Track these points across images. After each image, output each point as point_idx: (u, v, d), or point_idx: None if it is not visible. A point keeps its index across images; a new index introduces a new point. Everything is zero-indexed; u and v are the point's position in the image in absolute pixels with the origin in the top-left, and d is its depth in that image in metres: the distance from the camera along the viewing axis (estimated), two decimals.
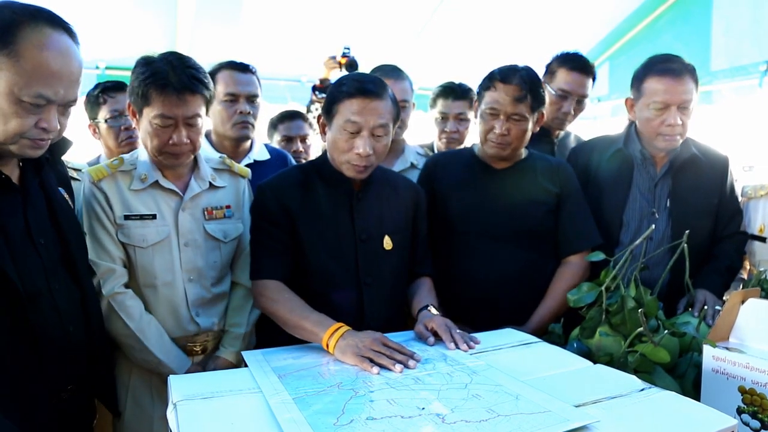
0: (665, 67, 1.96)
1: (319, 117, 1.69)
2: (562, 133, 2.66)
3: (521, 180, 1.95)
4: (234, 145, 2.33)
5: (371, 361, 1.31)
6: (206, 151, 2.30)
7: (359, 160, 1.59)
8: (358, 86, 1.58)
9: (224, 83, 2.27)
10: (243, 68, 2.31)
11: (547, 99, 2.45)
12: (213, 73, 2.29)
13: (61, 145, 1.42)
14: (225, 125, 2.28)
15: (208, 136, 2.40)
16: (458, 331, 1.51)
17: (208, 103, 1.70)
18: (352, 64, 3.14)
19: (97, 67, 3.87)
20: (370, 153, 1.58)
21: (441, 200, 2.01)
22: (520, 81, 1.84)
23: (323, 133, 1.69)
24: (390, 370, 1.29)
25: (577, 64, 2.52)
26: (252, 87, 2.31)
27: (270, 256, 1.65)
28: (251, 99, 2.30)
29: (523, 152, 2.01)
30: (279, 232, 1.65)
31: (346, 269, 1.67)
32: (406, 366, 1.30)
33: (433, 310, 1.64)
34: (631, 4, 4.52)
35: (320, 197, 1.68)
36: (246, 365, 1.37)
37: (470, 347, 1.44)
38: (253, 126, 2.33)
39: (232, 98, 2.26)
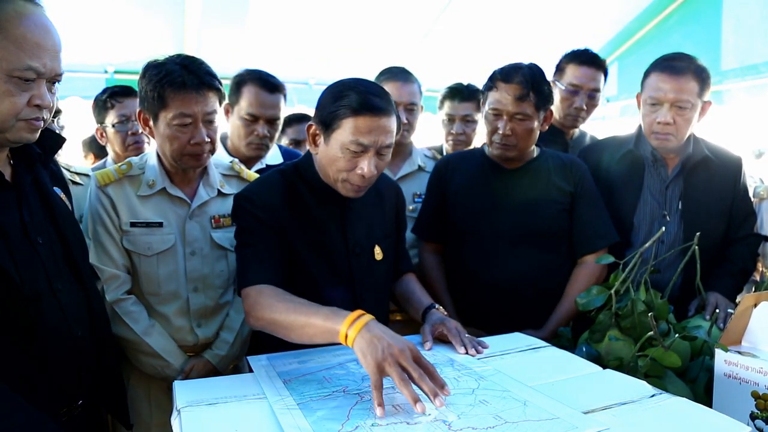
0: (668, 64, 1.94)
1: (309, 126, 1.51)
2: (576, 132, 2.63)
3: (533, 180, 1.93)
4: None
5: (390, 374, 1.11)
6: (218, 153, 2.28)
7: (361, 181, 1.46)
8: (364, 101, 1.39)
9: (248, 101, 2.16)
10: (271, 88, 2.18)
11: (558, 96, 2.44)
12: (239, 83, 2.20)
13: (52, 142, 1.39)
14: (240, 142, 2.22)
15: (224, 140, 2.36)
16: (467, 335, 1.49)
17: (222, 100, 1.69)
18: None
19: (106, 71, 3.88)
20: (374, 173, 1.44)
21: (452, 202, 2.00)
22: (521, 79, 1.81)
23: (314, 144, 1.51)
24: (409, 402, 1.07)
25: (585, 58, 2.49)
26: (275, 110, 2.20)
27: (262, 261, 1.45)
28: (272, 121, 2.22)
29: (535, 150, 1.98)
30: (274, 238, 1.48)
31: (342, 284, 1.55)
32: (432, 401, 1.06)
33: (442, 310, 1.61)
34: (640, 4, 4.48)
35: (310, 207, 1.55)
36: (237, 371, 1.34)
37: (478, 352, 1.43)
38: (268, 147, 2.25)
39: (253, 119, 2.17)
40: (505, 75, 1.85)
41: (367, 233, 1.62)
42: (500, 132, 1.85)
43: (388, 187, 1.74)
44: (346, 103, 1.40)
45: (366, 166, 1.42)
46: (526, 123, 1.84)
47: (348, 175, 1.45)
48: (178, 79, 1.57)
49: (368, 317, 1.21)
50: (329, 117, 1.43)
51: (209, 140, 1.64)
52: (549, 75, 2.00)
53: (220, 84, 1.67)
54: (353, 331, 1.17)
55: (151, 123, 1.66)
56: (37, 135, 1.24)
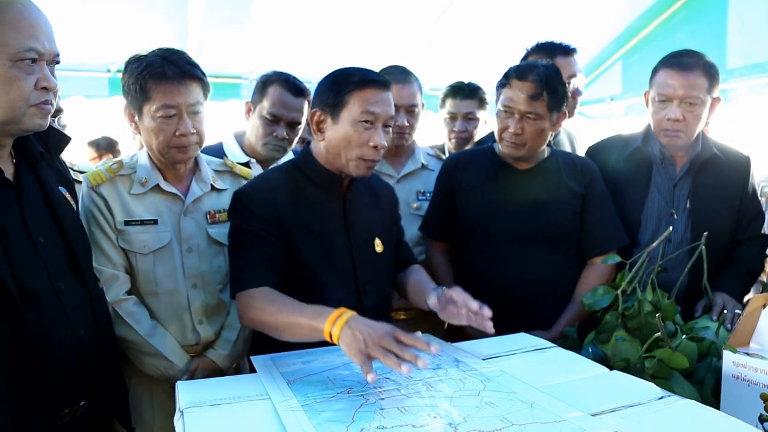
0: (676, 60, 1.92)
1: (313, 114, 1.53)
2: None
3: (544, 180, 1.92)
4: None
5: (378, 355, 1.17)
6: (233, 152, 2.27)
7: (374, 154, 1.50)
8: (366, 75, 1.48)
9: (271, 101, 2.15)
10: (296, 92, 2.17)
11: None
12: (266, 82, 2.19)
13: (58, 141, 1.39)
14: (258, 141, 2.21)
15: (240, 137, 2.34)
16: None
17: (206, 91, 1.67)
18: None
19: (109, 71, 3.88)
20: (385, 144, 1.50)
21: (462, 201, 1.99)
22: (536, 78, 1.78)
23: (320, 131, 1.53)
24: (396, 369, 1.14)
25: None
26: (297, 113, 2.19)
27: (257, 264, 1.46)
28: (293, 125, 2.21)
29: (546, 151, 1.97)
30: (272, 238, 1.48)
31: (345, 278, 1.56)
32: (415, 365, 1.13)
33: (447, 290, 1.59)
34: (644, 2, 4.46)
35: (312, 201, 1.56)
36: (241, 371, 1.33)
37: (487, 314, 1.40)
38: (285, 150, 2.24)
39: (274, 119, 2.17)
40: (520, 72, 1.82)
41: (367, 226, 1.63)
42: (510, 130, 1.83)
43: (382, 187, 1.76)
44: (351, 81, 1.47)
45: (378, 137, 1.48)
46: (538, 123, 1.82)
47: (362, 151, 1.49)
48: (159, 70, 1.56)
49: (350, 314, 1.25)
50: (335, 97, 1.48)
51: (195, 131, 1.62)
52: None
53: (203, 74, 1.65)
54: (336, 328, 1.23)
55: (136, 118, 1.64)
56: (48, 121, 1.25)
